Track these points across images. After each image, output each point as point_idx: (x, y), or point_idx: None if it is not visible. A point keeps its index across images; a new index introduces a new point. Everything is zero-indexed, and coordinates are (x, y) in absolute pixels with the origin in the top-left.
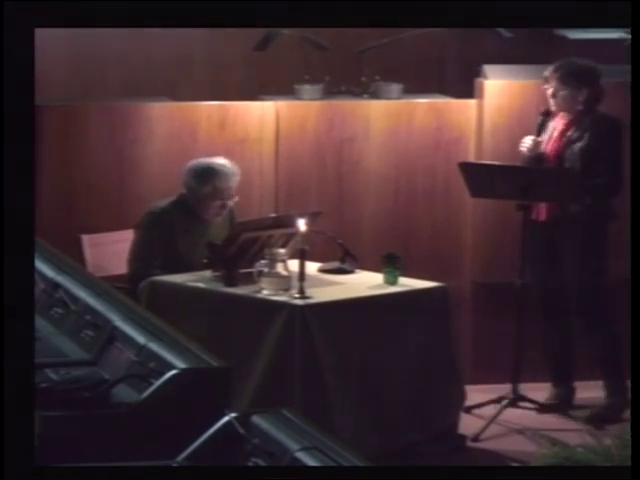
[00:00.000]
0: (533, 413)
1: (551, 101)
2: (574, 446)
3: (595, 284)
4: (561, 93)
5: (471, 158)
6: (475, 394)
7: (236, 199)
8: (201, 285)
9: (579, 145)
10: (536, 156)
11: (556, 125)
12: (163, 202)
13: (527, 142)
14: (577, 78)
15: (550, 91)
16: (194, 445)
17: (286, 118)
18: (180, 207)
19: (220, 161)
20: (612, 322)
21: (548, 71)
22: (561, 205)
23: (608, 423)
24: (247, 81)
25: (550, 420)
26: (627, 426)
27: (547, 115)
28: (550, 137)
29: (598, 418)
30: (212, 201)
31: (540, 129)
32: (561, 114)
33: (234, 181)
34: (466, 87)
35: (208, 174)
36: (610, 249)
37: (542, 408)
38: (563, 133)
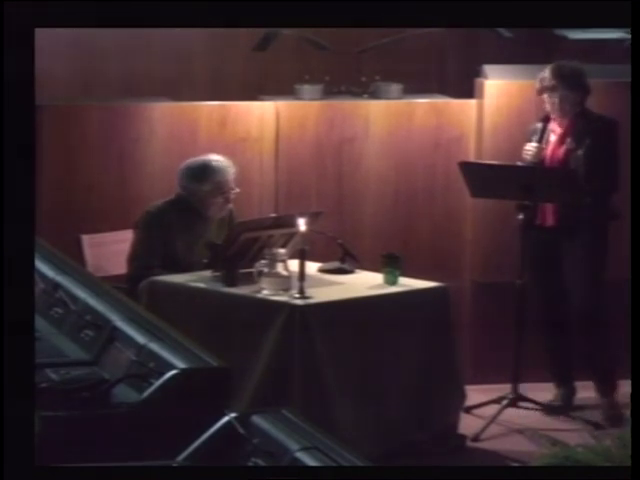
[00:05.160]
0: (533, 413)
1: (551, 106)
2: (574, 446)
3: (597, 285)
4: (567, 97)
5: (471, 158)
6: (475, 394)
7: (237, 190)
8: (201, 285)
9: (581, 149)
10: (539, 163)
11: (553, 129)
12: (161, 202)
13: (530, 149)
14: (576, 80)
15: (551, 96)
16: (194, 445)
17: (286, 118)
18: (178, 206)
19: (214, 157)
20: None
21: (547, 78)
22: (561, 205)
23: (611, 422)
24: (247, 81)
25: (550, 420)
26: (627, 426)
27: (547, 121)
28: (547, 142)
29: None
30: (214, 197)
31: (542, 135)
32: (555, 118)
33: (232, 174)
34: (466, 87)
35: (206, 172)
36: (610, 249)
37: (542, 408)
38: (562, 138)
